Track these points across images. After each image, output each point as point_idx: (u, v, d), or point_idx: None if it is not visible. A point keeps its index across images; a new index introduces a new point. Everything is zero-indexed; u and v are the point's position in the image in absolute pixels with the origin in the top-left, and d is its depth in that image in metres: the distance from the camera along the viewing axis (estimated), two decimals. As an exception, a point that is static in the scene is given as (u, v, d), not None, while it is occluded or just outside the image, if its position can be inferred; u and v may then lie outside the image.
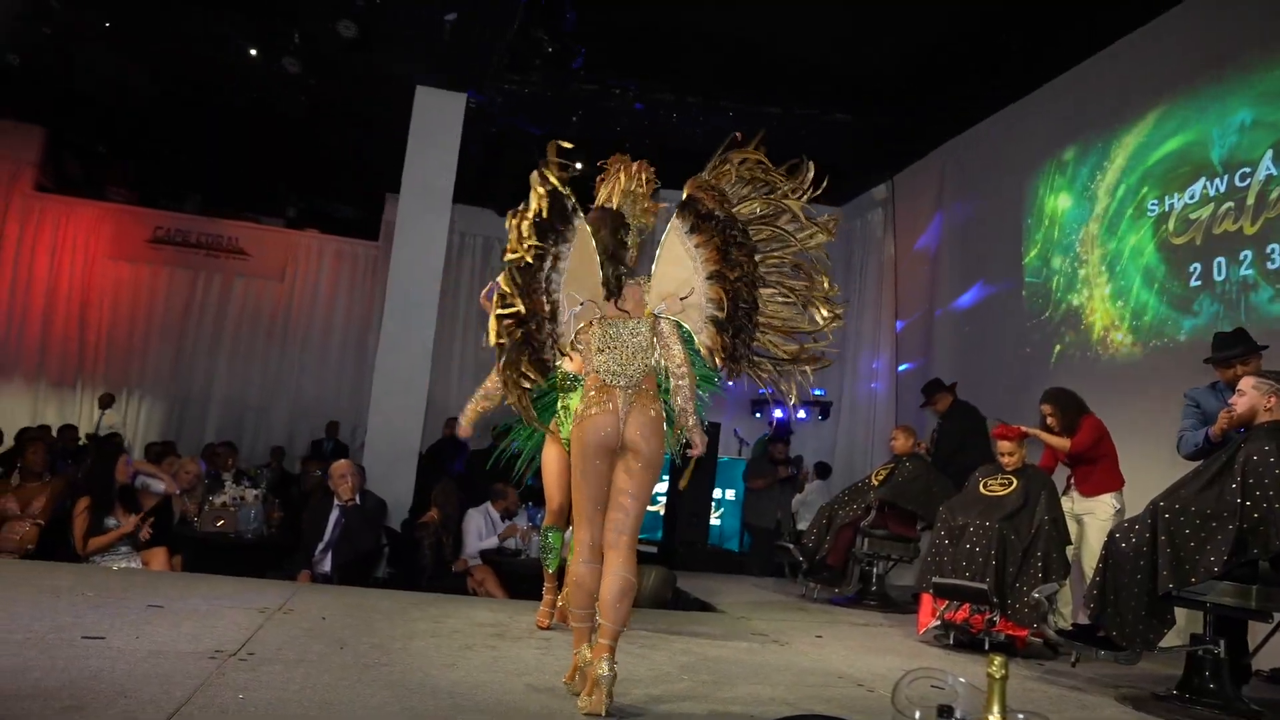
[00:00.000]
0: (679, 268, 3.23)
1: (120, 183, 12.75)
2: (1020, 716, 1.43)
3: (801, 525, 7.90)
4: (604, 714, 2.82)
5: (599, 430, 3.07)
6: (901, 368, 9.38)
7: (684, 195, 3.27)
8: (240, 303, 12.94)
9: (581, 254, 3.09)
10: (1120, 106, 7.01)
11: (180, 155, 12.18)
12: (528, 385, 3.06)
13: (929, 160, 9.40)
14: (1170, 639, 3.97)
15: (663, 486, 9.28)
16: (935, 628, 4.90)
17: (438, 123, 8.54)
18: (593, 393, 3.14)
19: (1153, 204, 6.63)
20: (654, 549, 7.99)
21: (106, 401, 8.68)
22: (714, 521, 9.24)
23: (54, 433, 9.96)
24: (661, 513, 8.86)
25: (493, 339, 2.96)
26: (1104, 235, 7.07)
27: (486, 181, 11.45)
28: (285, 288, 13.06)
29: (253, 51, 8.59)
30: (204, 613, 3.98)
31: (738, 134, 3.32)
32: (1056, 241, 7.56)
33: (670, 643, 4.38)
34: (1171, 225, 6.45)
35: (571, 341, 3.13)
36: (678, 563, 7.07)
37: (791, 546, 6.65)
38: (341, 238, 13.37)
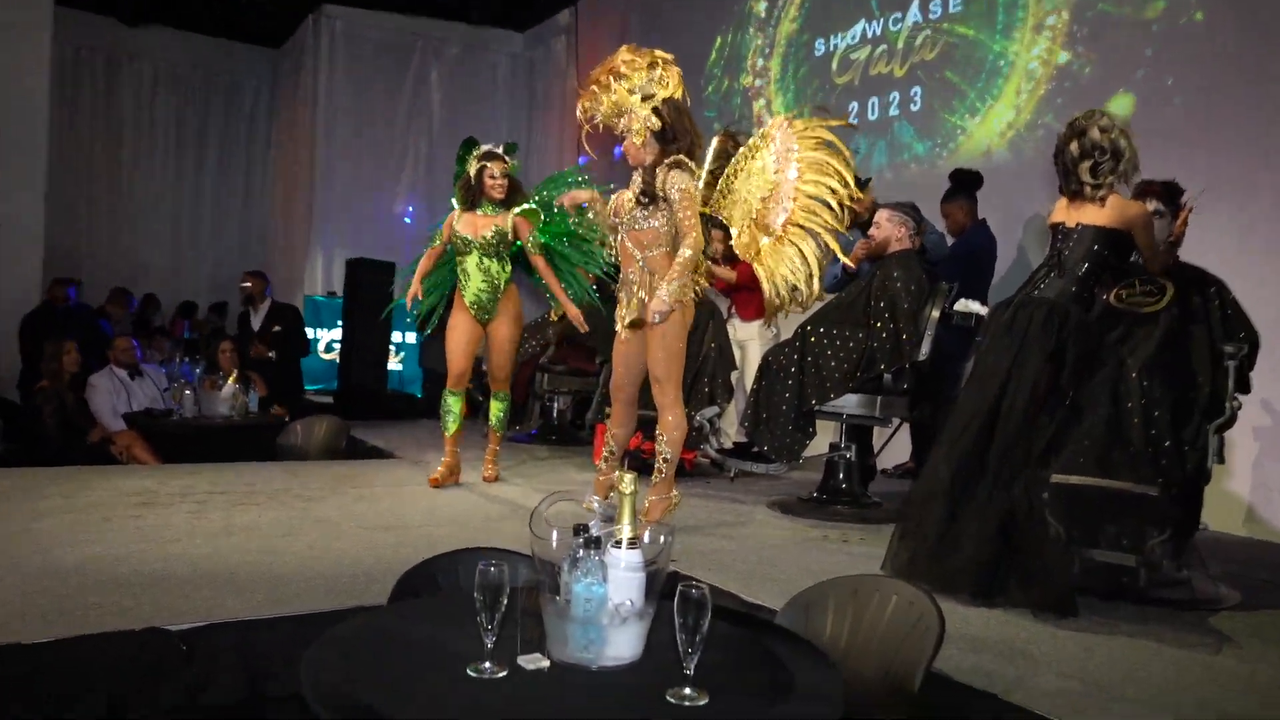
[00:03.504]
0: None
1: None
2: (647, 526, 1.50)
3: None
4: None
5: None
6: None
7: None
8: None
9: None
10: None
11: None
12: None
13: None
14: (812, 449, 4.38)
15: (336, 334, 8.76)
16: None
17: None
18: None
19: (819, 44, 6.94)
20: (329, 399, 7.60)
21: None
22: (394, 366, 8.93)
23: None
24: (337, 360, 8.39)
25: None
26: (778, 74, 7.33)
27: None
28: None
29: None
30: None
31: None
32: (735, 76, 7.75)
33: (342, 491, 4.18)
34: (835, 65, 6.81)
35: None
36: (355, 412, 6.75)
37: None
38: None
